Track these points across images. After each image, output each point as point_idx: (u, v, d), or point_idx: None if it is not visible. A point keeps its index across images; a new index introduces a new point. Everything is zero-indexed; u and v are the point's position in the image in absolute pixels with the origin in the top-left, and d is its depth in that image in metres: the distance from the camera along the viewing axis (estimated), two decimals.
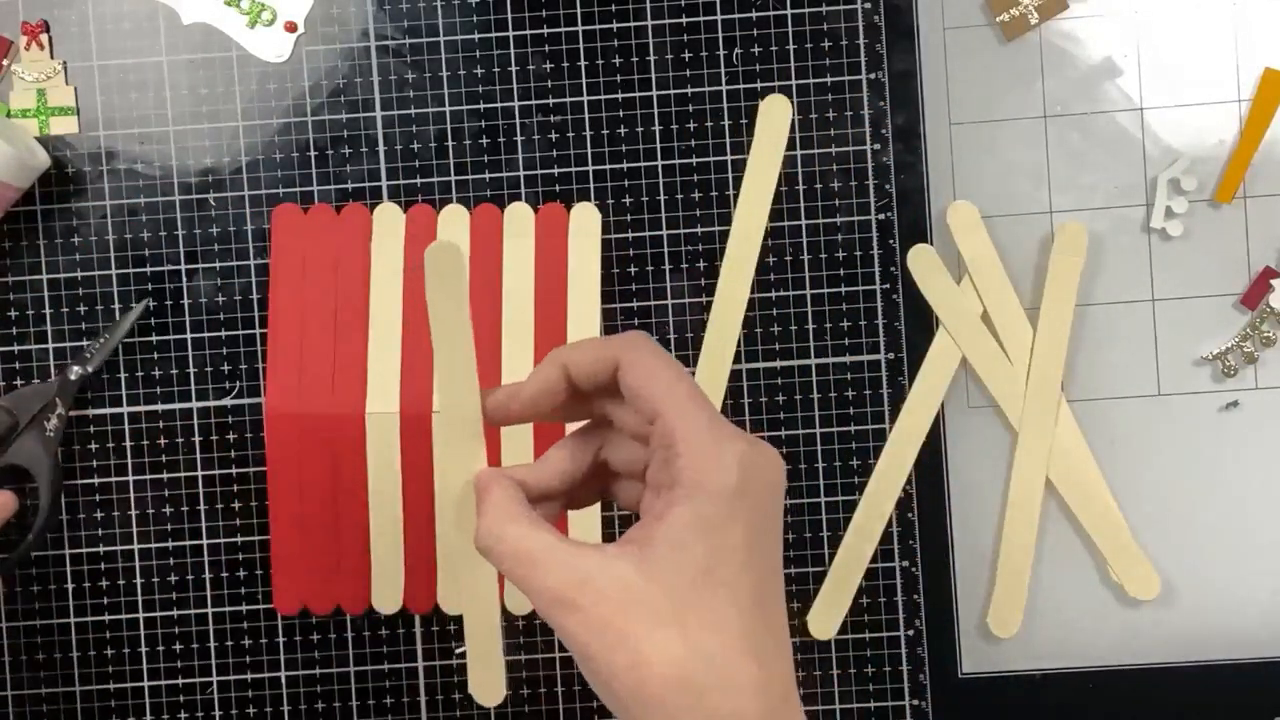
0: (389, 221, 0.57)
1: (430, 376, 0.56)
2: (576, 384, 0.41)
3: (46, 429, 0.54)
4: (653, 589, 0.37)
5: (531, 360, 0.56)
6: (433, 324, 0.42)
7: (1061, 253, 0.56)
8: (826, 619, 0.57)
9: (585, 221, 0.56)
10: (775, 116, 0.56)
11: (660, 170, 0.57)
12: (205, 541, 0.57)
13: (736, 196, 0.57)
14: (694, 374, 0.57)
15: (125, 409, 0.57)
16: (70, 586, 0.57)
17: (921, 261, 0.56)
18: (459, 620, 0.57)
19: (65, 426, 0.55)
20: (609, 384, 0.41)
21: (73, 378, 0.55)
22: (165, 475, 0.57)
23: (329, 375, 0.56)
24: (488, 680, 0.45)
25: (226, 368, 0.57)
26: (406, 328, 0.56)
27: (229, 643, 0.57)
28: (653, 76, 0.57)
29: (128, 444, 0.57)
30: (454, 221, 0.56)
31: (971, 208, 0.56)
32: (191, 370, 0.57)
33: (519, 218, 0.56)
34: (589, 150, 0.57)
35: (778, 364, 0.57)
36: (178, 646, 0.57)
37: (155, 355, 0.57)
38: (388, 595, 0.57)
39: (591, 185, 0.57)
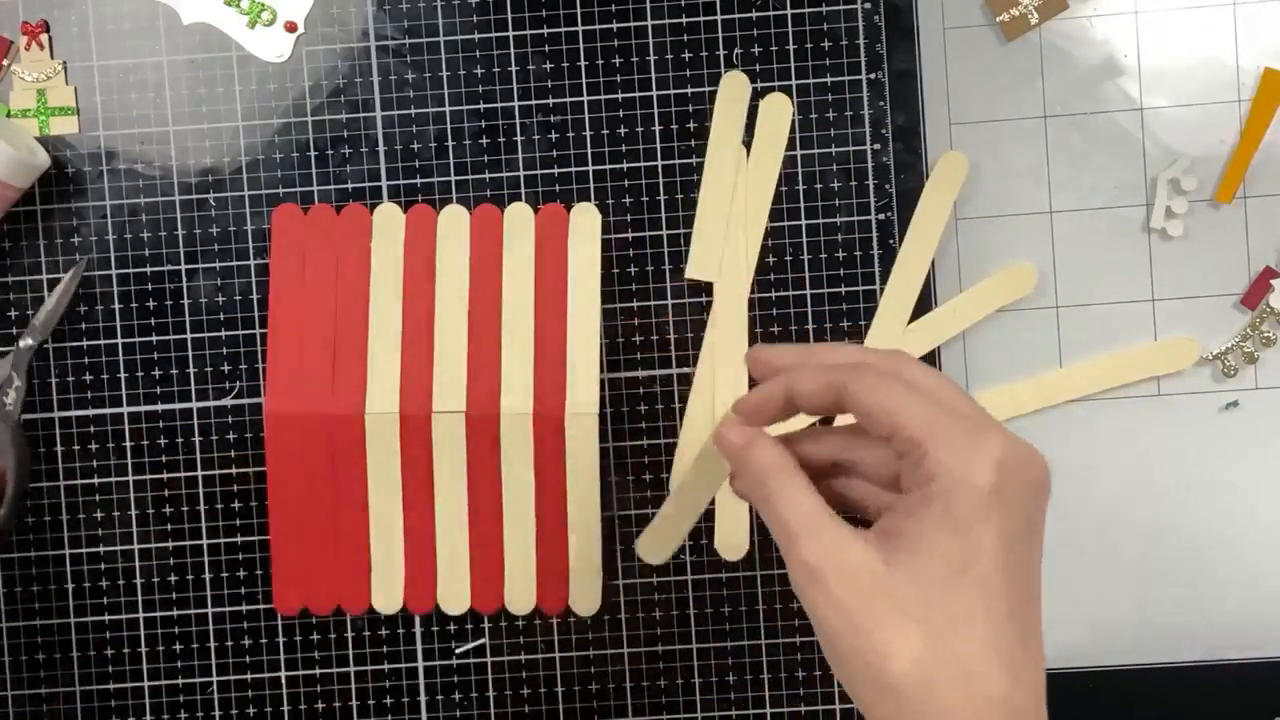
0: (389, 222, 0.57)
1: (430, 376, 0.56)
2: (797, 409, 0.41)
3: (6, 402, 0.56)
4: (900, 581, 0.36)
5: (531, 361, 0.56)
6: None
7: (940, 179, 0.56)
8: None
9: (585, 222, 0.56)
10: (775, 116, 0.56)
11: (660, 170, 0.57)
12: (205, 541, 0.57)
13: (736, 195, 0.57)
14: (695, 375, 0.57)
15: (125, 409, 0.57)
16: (70, 586, 0.57)
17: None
18: (459, 620, 0.57)
19: (24, 398, 0.56)
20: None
21: (23, 347, 0.56)
22: (165, 475, 0.57)
23: (329, 375, 0.56)
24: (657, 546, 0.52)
25: (226, 368, 0.57)
26: (406, 328, 0.56)
27: (229, 643, 0.57)
28: (653, 76, 0.57)
29: (128, 444, 0.57)
30: (454, 222, 0.56)
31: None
32: (191, 370, 0.57)
33: (519, 218, 0.56)
34: (589, 150, 0.57)
35: None
36: (178, 646, 0.57)
37: (155, 355, 0.57)
38: (388, 595, 0.57)
39: (591, 185, 0.57)
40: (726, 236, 0.57)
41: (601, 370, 0.56)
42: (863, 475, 0.42)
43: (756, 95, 0.57)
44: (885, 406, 0.38)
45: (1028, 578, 0.37)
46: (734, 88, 0.56)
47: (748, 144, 0.57)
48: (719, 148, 0.56)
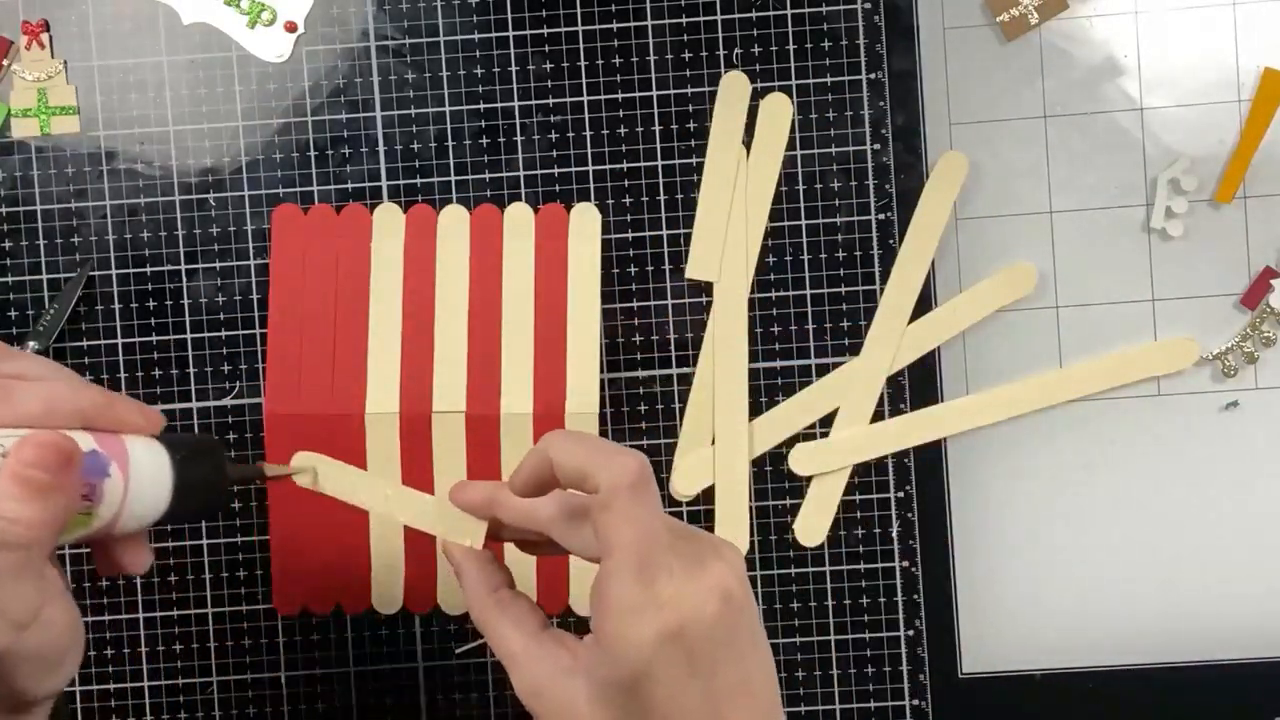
0: (389, 222, 0.57)
1: (430, 376, 0.56)
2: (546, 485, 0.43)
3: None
4: (596, 715, 0.38)
5: (531, 361, 0.56)
6: None
7: (940, 179, 0.56)
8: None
9: (585, 222, 0.56)
10: (775, 116, 0.56)
11: (660, 170, 0.57)
12: (205, 541, 0.57)
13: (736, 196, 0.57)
14: (695, 375, 0.57)
15: None
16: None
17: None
18: (459, 620, 0.57)
19: None
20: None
21: (29, 351, 0.56)
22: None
23: (329, 375, 0.56)
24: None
25: (226, 368, 0.57)
26: (406, 328, 0.56)
27: (229, 643, 0.57)
28: (653, 76, 0.57)
29: None
30: (454, 222, 0.56)
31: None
32: (191, 370, 0.57)
33: (519, 218, 0.56)
34: (589, 150, 0.57)
35: (778, 364, 0.57)
36: (178, 646, 0.57)
37: (155, 355, 0.57)
38: (388, 595, 0.57)
39: (591, 185, 0.57)
40: (726, 236, 0.57)
41: (601, 370, 0.56)
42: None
43: (756, 95, 0.57)
44: (574, 459, 0.40)
45: (733, 693, 0.39)
46: (734, 88, 0.56)
47: (748, 144, 0.57)
48: (719, 148, 0.56)
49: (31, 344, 0.56)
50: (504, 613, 0.42)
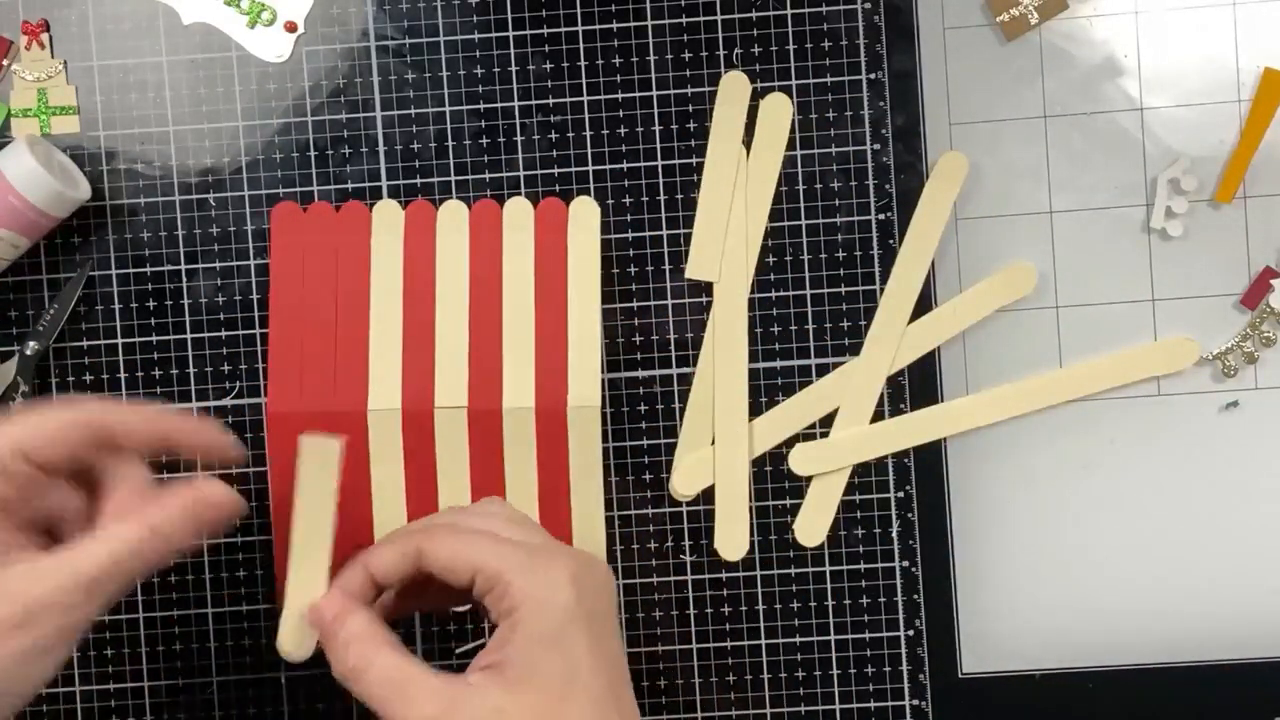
0: (388, 218, 0.57)
1: (431, 371, 0.56)
2: (383, 585, 0.45)
3: (12, 409, 0.55)
4: (522, 709, 0.39)
5: (533, 355, 0.56)
6: (297, 507, 0.46)
7: (940, 179, 0.56)
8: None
9: (584, 215, 0.56)
10: (775, 116, 0.56)
11: (660, 170, 0.57)
12: (205, 542, 0.57)
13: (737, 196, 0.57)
14: (695, 375, 0.57)
15: None
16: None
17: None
18: (459, 620, 0.57)
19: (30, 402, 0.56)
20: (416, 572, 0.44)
21: (29, 353, 0.56)
22: (165, 475, 0.57)
23: (330, 373, 0.56)
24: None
25: (226, 368, 0.57)
26: (407, 324, 0.56)
27: (229, 643, 0.57)
28: (653, 76, 0.57)
29: None
30: (453, 217, 0.56)
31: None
32: (191, 370, 0.57)
33: (518, 212, 0.56)
34: (589, 150, 0.57)
35: (778, 364, 0.57)
36: (178, 646, 0.57)
37: (155, 355, 0.57)
38: None
39: (591, 185, 0.57)
40: (726, 236, 0.57)
41: (602, 370, 0.56)
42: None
43: (756, 95, 0.57)
44: (461, 556, 0.42)
45: (617, 666, 0.42)
46: (734, 88, 0.56)
47: (748, 144, 0.57)
48: (719, 148, 0.56)
49: (32, 344, 0.56)
50: (397, 646, 0.42)
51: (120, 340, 0.57)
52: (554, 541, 0.45)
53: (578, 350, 0.56)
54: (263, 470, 0.57)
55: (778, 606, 0.57)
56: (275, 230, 0.57)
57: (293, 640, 0.45)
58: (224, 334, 0.57)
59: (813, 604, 0.57)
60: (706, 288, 0.57)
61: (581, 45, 0.57)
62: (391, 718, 0.40)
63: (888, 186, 0.57)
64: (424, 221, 0.57)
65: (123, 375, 0.57)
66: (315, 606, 0.44)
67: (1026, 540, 0.57)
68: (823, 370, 0.57)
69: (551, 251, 0.56)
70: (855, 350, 0.57)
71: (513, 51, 0.57)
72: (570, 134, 0.57)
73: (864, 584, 0.57)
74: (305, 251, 0.57)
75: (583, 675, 0.40)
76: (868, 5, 0.57)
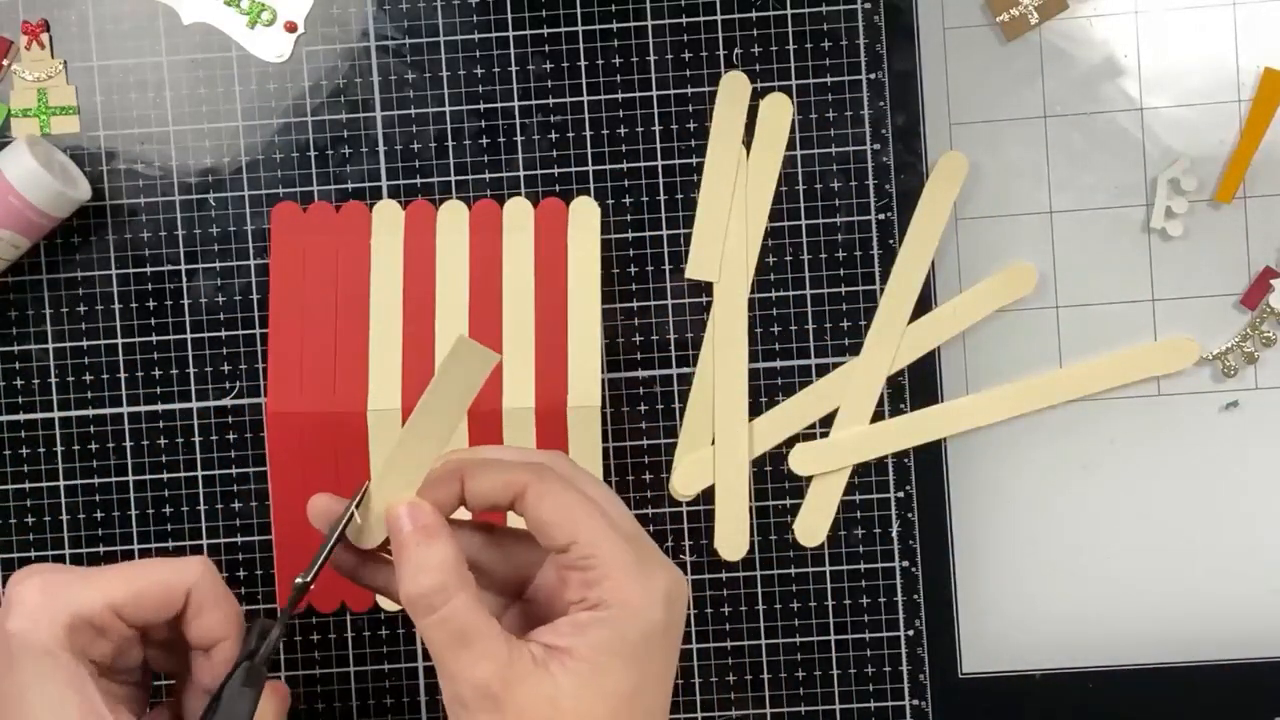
0: (388, 218, 0.57)
1: (432, 371, 0.56)
2: (467, 503, 0.41)
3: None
4: (577, 709, 0.37)
5: (533, 355, 0.56)
6: (425, 400, 0.41)
7: (940, 178, 0.56)
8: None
9: (585, 215, 0.56)
10: (775, 116, 0.56)
11: (660, 170, 0.57)
12: (205, 541, 0.57)
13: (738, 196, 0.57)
14: (695, 375, 0.57)
15: (125, 409, 0.57)
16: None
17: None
18: None
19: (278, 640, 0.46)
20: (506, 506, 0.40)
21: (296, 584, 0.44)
22: (165, 475, 0.57)
23: (330, 373, 0.56)
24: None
25: (226, 368, 0.57)
26: (407, 324, 0.56)
27: None
28: (653, 76, 0.57)
29: (128, 444, 0.57)
30: (453, 217, 0.56)
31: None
32: (191, 370, 0.57)
33: (518, 212, 0.56)
34: (589, 150, 0.57)
35: (778, 364, 0.57)
36: None
37: (155, 355, 0.57)
38: None
39: (591, 185, 0.57)
40: (726, 236, 0.57)
41: (602, 370, 0.56)
42: (484, 579, 0.42)
43: (756, 95, 0.57)
44: (570, 522, 0.39)
45: (670, 691, 0.40)
46: (734, 88, 0.56)
47: (748, 144, 0.57)
48: (719, 148, 0.56)
49: (298, 578, 0.44)
50: (476, 592, 0.39)
51: (120, 340, 0.57)
52: (651, 544, 0.41)
53: (578, 350, 0.56)
54: (263, 470, 0.57)
55: (778, 606, 0.57)
56: (275, 230, 0.57)
57: (367, 532, 0.41)
58: (224, 334, 0.57)
59: (813, 604, 0.57)
60: (706, 288, 0.57)
61: (581, 45, 0.57)
62: (443, 662, 0.38)
63: (888, 186, 0.57)
64: (424, 222, 0.57)
65: (122, 375, 0.57)
66: (399, 512, 0.40)
67: (1026, 540, 0.57)
68: (823, 370, 0.57)
69: (551, 252, 0.56)
70: (855, 350, 0.57)
71: (513, 51, 0.57)
72: (570, 134, 0.57)
73: (864, 584, 0.57)
74: (305, 252, 0.57)
75: (644, 697, 0.38)
76: (868, 5, 0.57)
